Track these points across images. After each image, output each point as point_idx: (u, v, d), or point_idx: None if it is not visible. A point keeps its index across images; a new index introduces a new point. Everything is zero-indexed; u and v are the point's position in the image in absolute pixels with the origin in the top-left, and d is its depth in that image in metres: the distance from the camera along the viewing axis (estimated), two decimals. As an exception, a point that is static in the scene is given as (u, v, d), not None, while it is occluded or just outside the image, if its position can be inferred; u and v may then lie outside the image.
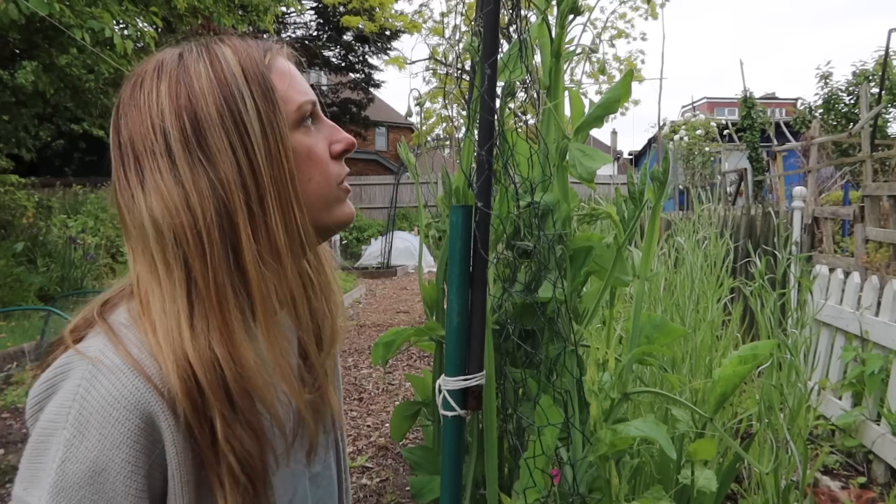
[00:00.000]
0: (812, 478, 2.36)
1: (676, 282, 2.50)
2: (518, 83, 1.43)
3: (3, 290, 5.97)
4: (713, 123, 13.33)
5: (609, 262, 1.29)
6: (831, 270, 3.42)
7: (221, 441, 0.59)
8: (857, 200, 5.84)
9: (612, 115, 2.56)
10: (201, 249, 0.61)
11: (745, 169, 10.28)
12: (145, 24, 6.57)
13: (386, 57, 17.39)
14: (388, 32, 13.79)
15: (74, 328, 0.63)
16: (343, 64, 20.31)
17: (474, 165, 1.08)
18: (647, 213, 1.29)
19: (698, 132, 12.88)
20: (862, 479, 2.60)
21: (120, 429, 0.56)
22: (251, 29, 7.75)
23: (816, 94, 12.79)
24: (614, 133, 18.33)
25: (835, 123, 12.03)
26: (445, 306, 1.11)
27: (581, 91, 1.43)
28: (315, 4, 18.33)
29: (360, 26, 9.79)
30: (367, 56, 20.15)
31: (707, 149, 12.88)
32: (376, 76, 20.78)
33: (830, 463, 2.76)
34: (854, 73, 12.35)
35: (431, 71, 8.33)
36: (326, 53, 19.89)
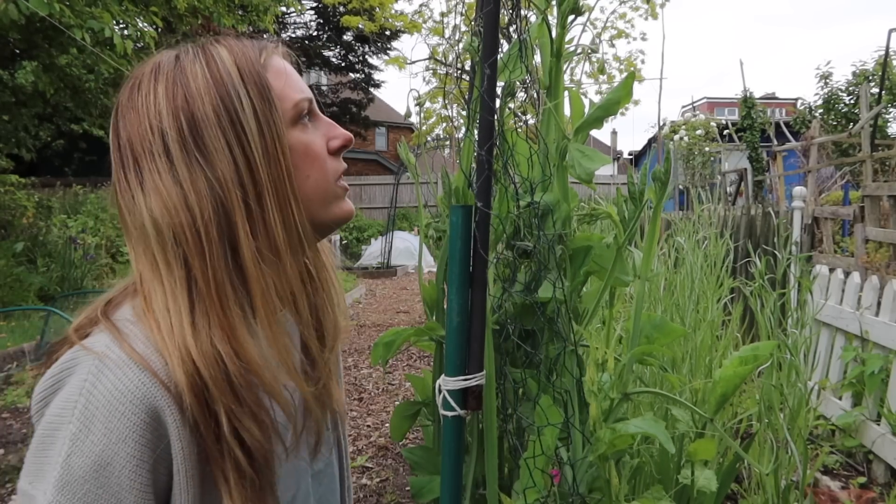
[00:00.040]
0: (812, 478, 2.36)
1: (676, 282, 2.50)
2: (518, 83, 1.43)
3: (3, 290, 5.98)
4: (713, 123, 13.33)
5: (609, 262, 1.29)
6: (831, 270, 3.42)
7: (228, 434, 0.60)
8: (857, 200, 5.85)
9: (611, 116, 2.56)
10: (200, 248, 0.61)
11: (745, 169, 10.28)
12: (145, 24, 6.56)
13: (386, 57, 17.40)
14: (388, 32, 13.80)
15: (78, 327, 0.64)
16: (343, 64, 20.30)
17: (474, 165, 1.08)
18: (648, 214, 1.29)
19: (698, 132, 12.89)
20: (862, 479, 2.60)
21: (126, 423, 0.56)
22: (251, 29, 7.76)
23: (816, 94, 12.80)
24: (614, 133, 18.35)
25: (835, 123, 12.03)
26: (445, 306, 1.11)
27: (581, 91, 1.43)
28: (315, 4, 18.33)
29: (360, 26, 9.80)
30: (367, 56, 20.14)
31: (707, 149, 12.89)
32: (376, 76, 20.79)
33: (830, 463, 2.76)
34: (854, 73, 12.35)
35: (431, 71, 8.34)
36: (326, 53, 19.89)
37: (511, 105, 1.45)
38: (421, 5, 9.23)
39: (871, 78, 11.24)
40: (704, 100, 23.09)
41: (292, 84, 0.69)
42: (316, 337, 0.76)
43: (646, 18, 8.64)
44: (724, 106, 23.61)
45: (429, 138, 9.47)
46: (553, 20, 1.35)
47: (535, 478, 1.16)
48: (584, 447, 1.27)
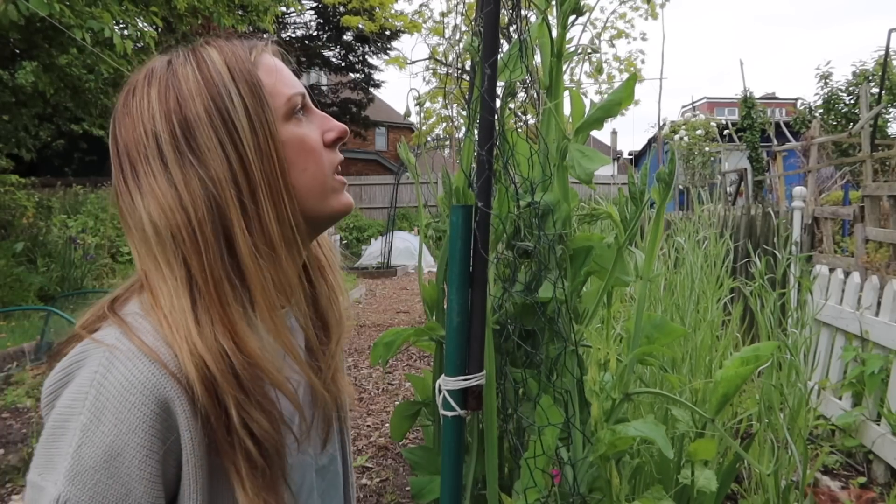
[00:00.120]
0: (812, 478, 2.36)
1: (676, 282, 2.50)
2: (518, 83, 1.43)
3: (3, 290, 5.98)
4: (713, 123, 13.33)
5: (609, 263, 1.29)
6: (831, 270, 3.42)
7: (238, 425, 0.61)
8: (857, 200, 5.85)
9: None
10: (197, 247, 0.63)
11: (745, 169, 10.29)
12: (145, 25, 6.56)
13: (386, 57, 17.41)
14: (388, 32, 13.81)
15: (86, 324, 0.64)
16: (343, 64, 20.30)
17: (474, 165, 1.08)
18: (648, 214, 1.29)
19: (698, 132, 12.89)
20: (862, 479, 2.60)
21: (136, 413, 0.57)
22: (251, 29, 7.75)
23: (816, 94, 12.81)
24: (614, 133, 18.36)
25: (835, 123, 12.03)
26: (445, 306, 1.11)
27: (581, 91, 1.43)
28: (315, 4, 18.33)
29: (360, 26, 9.81)
30: (367, 56, 20.14)
31: (707, 149, 12.88)
32: (376, 76, 20.79)
33: (830, 463, 2.76)
34: (854, 73, 12.35)
35: (431, 71, 8.34)
36: (326, 53, 19.89)
37: (511, 105, 1.45)
38: (421, 5, 9.23)
39: (871, 78, 11.24)
40: (704, 100, 23.10)
41: (284, 80, 0.70)
42: (321, 328, 0.77)
43: (646, 18, 8.65)
44: (724, 106, 23.62)
45: (429, 138, 9.47)
46: (553, 20, 1.35)
47: (536, 478, 1.16)
48: (585, 447, 1.27)
